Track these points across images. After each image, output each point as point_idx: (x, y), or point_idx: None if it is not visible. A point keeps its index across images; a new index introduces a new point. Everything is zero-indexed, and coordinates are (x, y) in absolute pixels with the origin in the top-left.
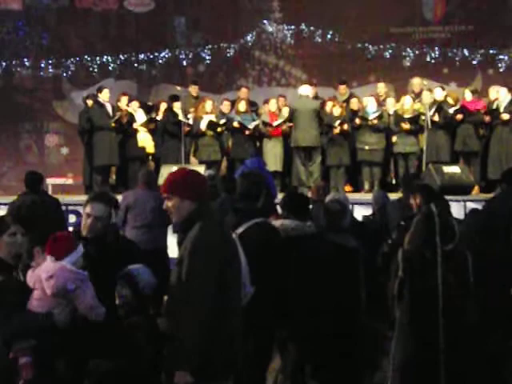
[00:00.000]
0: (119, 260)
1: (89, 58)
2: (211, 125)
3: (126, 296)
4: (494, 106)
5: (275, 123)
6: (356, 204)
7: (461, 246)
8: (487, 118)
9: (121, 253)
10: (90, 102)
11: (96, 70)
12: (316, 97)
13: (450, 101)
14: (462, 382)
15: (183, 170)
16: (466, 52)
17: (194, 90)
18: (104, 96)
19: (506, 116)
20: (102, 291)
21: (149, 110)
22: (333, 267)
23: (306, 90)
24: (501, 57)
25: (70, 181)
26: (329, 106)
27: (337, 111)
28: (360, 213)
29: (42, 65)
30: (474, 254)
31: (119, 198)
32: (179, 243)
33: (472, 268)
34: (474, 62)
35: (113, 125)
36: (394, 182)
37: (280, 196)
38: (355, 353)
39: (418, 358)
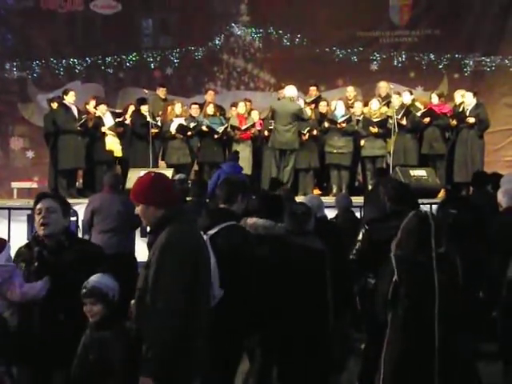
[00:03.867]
0: (74, 264)
1: (55, 61)
2: (181, 128)
3: (99, 311)
4: (460, 110)
5: (244, 127)
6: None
7: (450, 248)
8: (453, 122)
9: (77, 257)
10: (54, 105)
11: (62, 73)
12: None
13: (419, 105)
14: (455, 382)
15: (148, 176)
16: (432, 56)
17: (161, 92)
18: (69, 98)
19: (471, 120)
20: (58, 296)
21: (117, 116)
22: (300, 269)
23: (290, 92)
24: (466, 61)
25: (35, 185)
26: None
27: (307, 114)
28: (328, 216)
29: (7, 67)
30: None
31: (86, 201)
32: (149, 245)
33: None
34: (440, 67)
35: (78, 128)
36: (361, 185)
37: None
38: (322, 355)
39: (413, 360)
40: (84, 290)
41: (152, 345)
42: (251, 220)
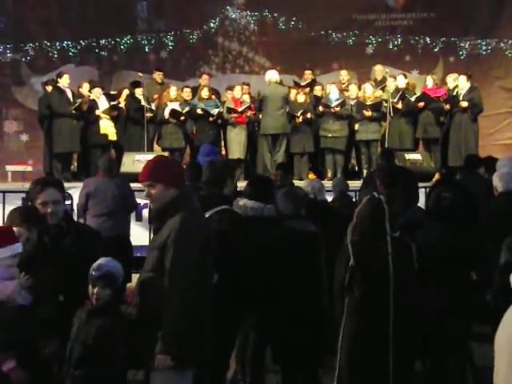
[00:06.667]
0: (73, 247)
1: (48, 43)
2: (174, 114)
3: (107, 295)
4: (454, 94)
5: (240, 109)
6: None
7: (404, 232)
8: (447, 106)
9: (74, 239)
10: (49, 88)
11: (56, 56)
12: (280, 83)
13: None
14: (408, 362)
15: (164, 158)
16: (427, 39)
17: (158, 76)
18: (64, 82)
19: (464, 103)
20: (56, 279)
21: (113, 99)
22: (292, 252)
23: (275, 75)
24: (462, 44)
25: (30, 168)
26: (293, 93)
27: (301, 98)
28: None
29: (0, 49)
30: (436, 240)
31: (80, 185)
32: (155, 230)
33: (417, 255)
34: (436, 50)
35: (73, 111)
36: (356, 169)
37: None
38: (316, 337)
39: (368, 343)
40: (97, 273)
41: (169, 324)
42: (241, 201)
